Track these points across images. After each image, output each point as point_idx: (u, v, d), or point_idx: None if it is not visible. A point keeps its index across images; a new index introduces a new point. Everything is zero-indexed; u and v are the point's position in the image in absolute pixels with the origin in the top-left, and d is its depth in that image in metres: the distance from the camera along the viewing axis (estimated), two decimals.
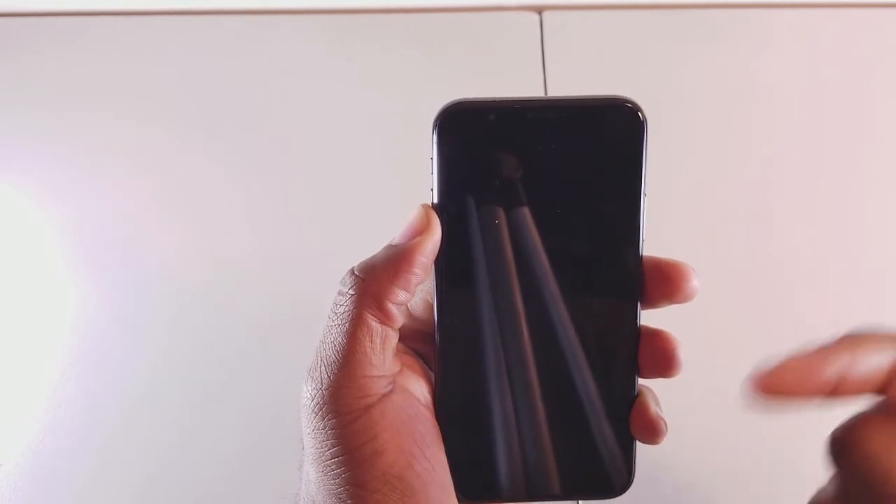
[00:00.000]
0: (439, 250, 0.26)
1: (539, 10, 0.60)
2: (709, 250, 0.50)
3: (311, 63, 0.58)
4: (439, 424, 0.27)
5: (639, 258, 0.26)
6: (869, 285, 0.49)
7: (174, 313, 0.48)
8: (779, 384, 0.24)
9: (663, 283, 0.26)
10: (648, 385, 0.28)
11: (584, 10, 0.60)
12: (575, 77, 0.56)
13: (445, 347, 0.27)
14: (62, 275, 0.50)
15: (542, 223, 0.26)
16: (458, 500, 0.27)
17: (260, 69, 0.58)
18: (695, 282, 0.25)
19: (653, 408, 0.26)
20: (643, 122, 0.25)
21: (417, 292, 0.27)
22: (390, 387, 0.25)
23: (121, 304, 0.49)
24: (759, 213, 0.51)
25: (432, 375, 0.27)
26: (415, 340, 0.28)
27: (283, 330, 0.47)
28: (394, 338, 0.25)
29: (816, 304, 0.48)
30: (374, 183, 0.52)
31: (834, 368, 0.24)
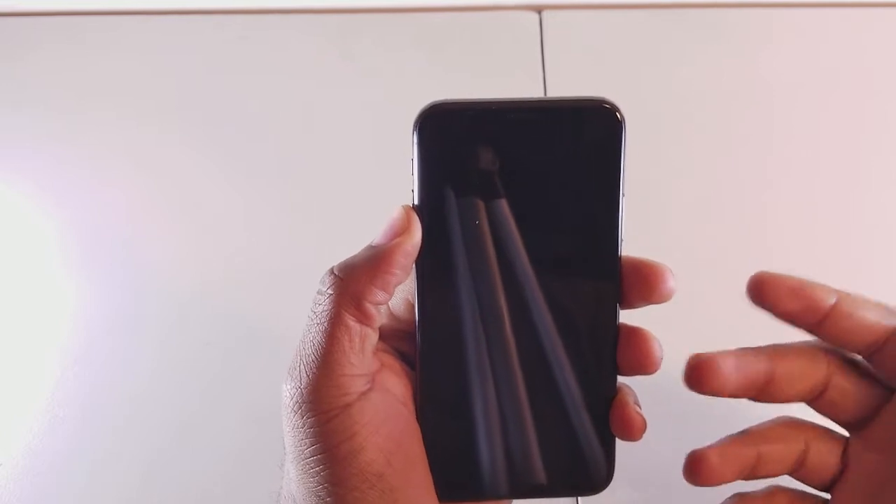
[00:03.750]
0: (420, 251, 0.26)
1: (538, 9, 0.60)
2: (710, 251, 0.50)
3: (310, 62, 0.58)
4: (420, 424, 0.27)
5: (617, 258, 0.26)
6: (872, 286, 0.48)
7: (174, 313, 0.48)
8: (711, 376, 0.26)
9: (640, 283, 0.26)
10: (628, 383, 0.28)
11: (583, 9, 0.60)
12: (575, 77, 0.56)
13: (426, 347, 0.27)
14: (62, 275, 0.50)
15: (521, 224, 0.26)
16: (439, 500, 0.27)
17: (259, 68, 0.58)
18: (671, 283, 0.26)
19: (632, 405, 0.27)
20: (621, 122, 0.25)
21: (398, 292, 0.27)
22: (369, 385, 0.25)
23: (121, 304, 0.49)
24: (760, 214, 0.51)
25: (413, 375, 0.28)
26: (396, 340, 0.28)
27: (283, 330, 0.47)
28: (373, 337, 0.26)
29: None
30: (374, 183, 0.52)
31: (762, 367, 0.26)
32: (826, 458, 0.27)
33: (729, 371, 0.26)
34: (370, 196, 0.52)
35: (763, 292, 0.26)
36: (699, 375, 0.26)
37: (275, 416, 0.42)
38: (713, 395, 0.26)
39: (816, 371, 0.26)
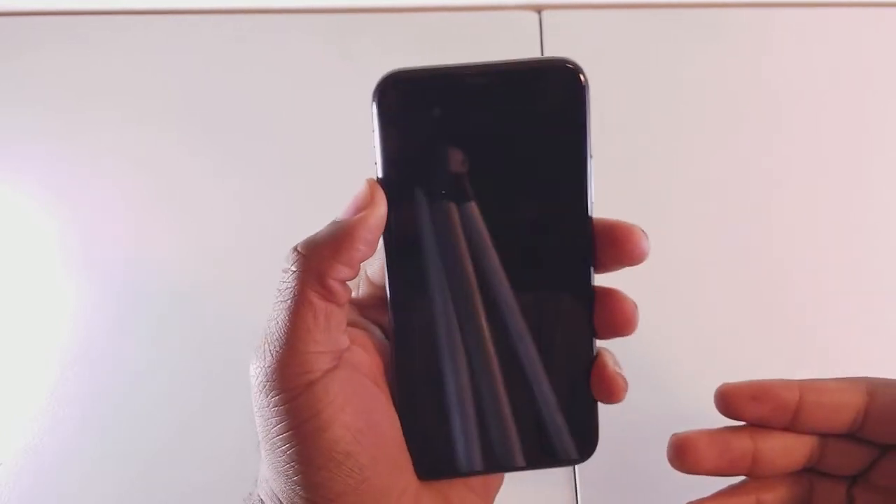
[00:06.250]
0: (386, 224, 0.25)
1: (538, 9, 0.60)
2: (713, 250, 0.50)
3: (310, 63, 0.58)
4: (395, 401, 0.26)
5: (588, 221, 0.26)
6: (871, 286, 0.48)
7: (174, 313, 0.48)
8: (687, 454, 0.26)
9: (613, 245, 0.25)
10: (607, 346, 0.27)
11: (583, 9, 0.60)
12: None
13: (398, 321, 0.26)
14: (62, 275, 0.50)
15: (488, 191, 0.25)
16: (419, 478, 0.26)
17: (259, 68, 0.58)
18: (644, 244, 0.25)
19: (611, 366, 0.26)
20: (584, 82, 0.25)
21: (378, 260, 0.26)
22: (335, 363, 0.25)
23: (121, 304, 0.49)
24: (761, 213, 0.51)
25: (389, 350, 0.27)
26: (378, 311, 0.28)
27: None
28: (339, 314, 0.25)
29: (820, 305, 0.48)
30: None
31: (743, 444, 0.26)
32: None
33: (706, 448, 0.26)
34: None
35: (728, 405, 0.26)
36: (676, 454, 0.26)
37: None
38: (693, 473, 0.26)
39: (804, 445, 0.26)
